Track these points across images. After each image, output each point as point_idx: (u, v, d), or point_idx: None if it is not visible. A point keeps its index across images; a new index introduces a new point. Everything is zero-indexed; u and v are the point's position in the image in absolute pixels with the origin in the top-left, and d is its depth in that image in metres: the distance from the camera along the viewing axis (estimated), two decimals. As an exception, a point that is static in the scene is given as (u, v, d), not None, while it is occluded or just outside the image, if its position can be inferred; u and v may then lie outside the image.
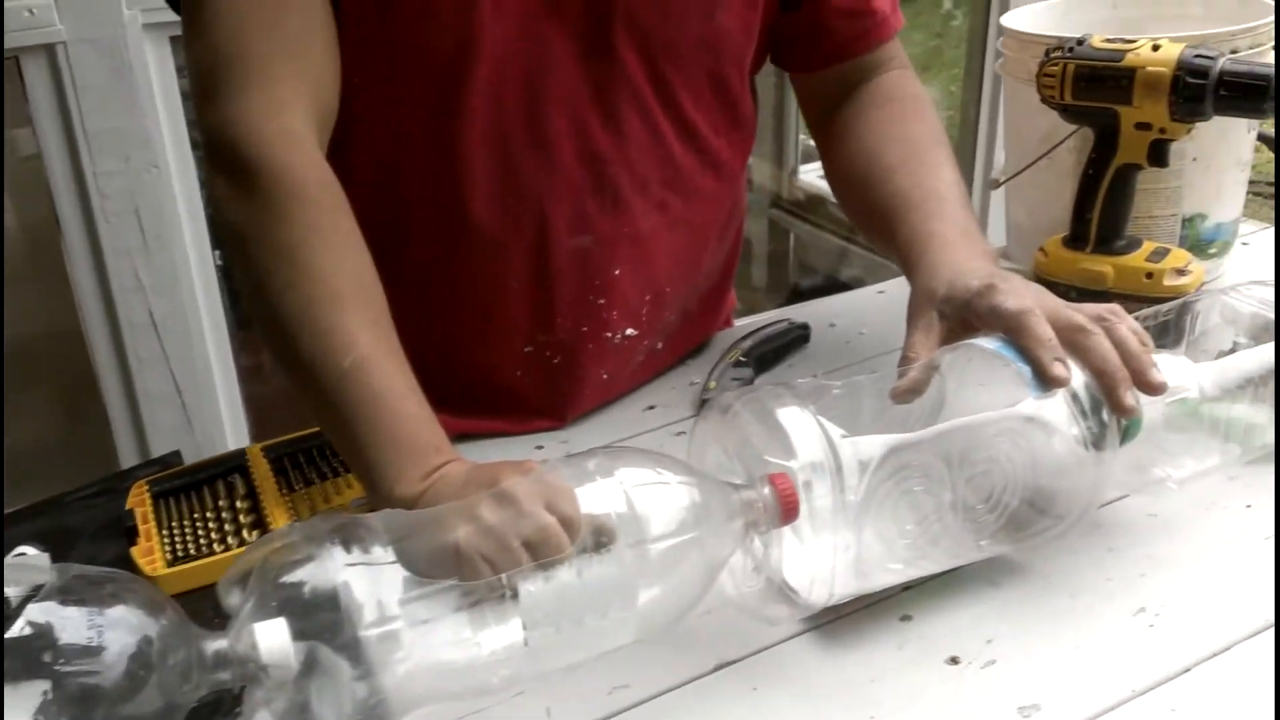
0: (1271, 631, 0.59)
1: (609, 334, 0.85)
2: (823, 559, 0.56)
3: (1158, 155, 0.83)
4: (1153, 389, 0.62)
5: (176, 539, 0.72)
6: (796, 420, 0.56)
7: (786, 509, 0.55)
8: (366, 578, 0.47)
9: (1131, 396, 0.61)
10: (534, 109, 0.77)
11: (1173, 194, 0.93)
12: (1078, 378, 0.61)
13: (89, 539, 0.75)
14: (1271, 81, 0.76)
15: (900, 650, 0.60)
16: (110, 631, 0.44)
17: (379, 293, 0.68)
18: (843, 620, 0.62)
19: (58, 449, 1.85)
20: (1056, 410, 0.60)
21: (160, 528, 0.74)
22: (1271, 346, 0.69)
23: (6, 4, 1.24)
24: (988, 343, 0.64)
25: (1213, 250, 0.98)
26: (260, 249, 0.67)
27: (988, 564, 0.65)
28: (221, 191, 0.69)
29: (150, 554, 0.70)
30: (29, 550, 0.71)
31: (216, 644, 0.47)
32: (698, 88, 0.82)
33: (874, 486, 0.56)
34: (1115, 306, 0.65)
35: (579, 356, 0.85)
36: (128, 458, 1.61)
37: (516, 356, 0.84)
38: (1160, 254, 0.87)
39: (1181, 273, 0.85)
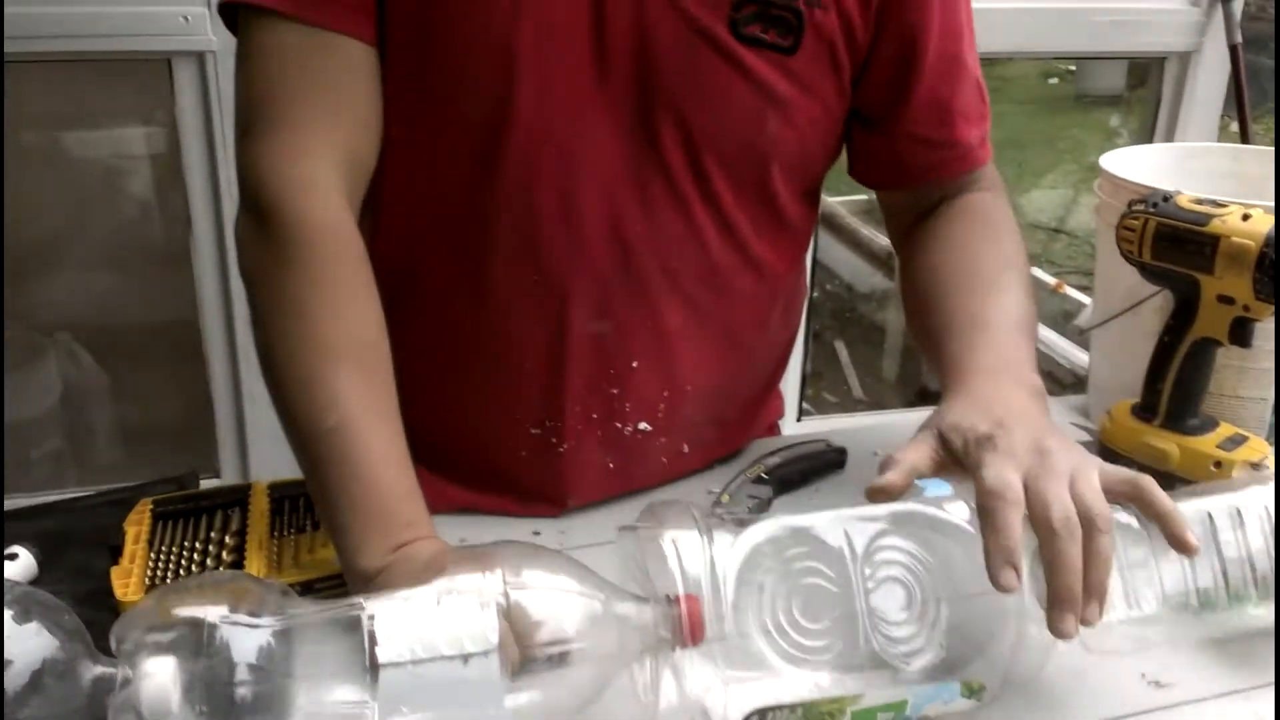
0: None
1: (619, 425, 0.83)
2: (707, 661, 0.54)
3: (1240, 334, 0.76)
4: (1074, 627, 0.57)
5: (160, 565, 0.74)
6: (681, 531, 0.56)
7: (693, 629, 0.53)
8: (242, 636, 0.49)
9: (1071, 623, 0.56)
10: (567, 183, 0.75)
11: (1262, 376, 0.84)
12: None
13: (82, 548, 0.77)
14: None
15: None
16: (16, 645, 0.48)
17: (381, 351, 0.68)
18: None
19: (166, 433, 1.95)
20: (960, 513, 0.58)
21: (151, 550, 0.75)
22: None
23: (160, 8, 1.32)
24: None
25: (1309, 443, 0.88)
26: (265, 293, 0.68)
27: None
28: (241, 231, 0.71)
29: (127, 576, 0.71)
30: (20, 551, 0.74)
31: (100, 670, 0.49)
32: (742, 188, 0.79)
33: (751, 568, 0.55)
34: (1141, 480, 0.60)
35: (586, 443, 0.83)
36: (227, 450, 1.68)
37: (522, 437, 0.82)
38: (1235, 441, 0.79)
39: (1257, 467, 0.77)
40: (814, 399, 2.86)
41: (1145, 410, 0.82)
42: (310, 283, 0.67)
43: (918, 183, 0.85)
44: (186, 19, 1.31)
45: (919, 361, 3.03)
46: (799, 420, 1.94)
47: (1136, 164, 0.95)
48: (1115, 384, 0.95)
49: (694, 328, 0.82)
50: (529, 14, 0.71)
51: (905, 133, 0.82)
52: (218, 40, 1.34)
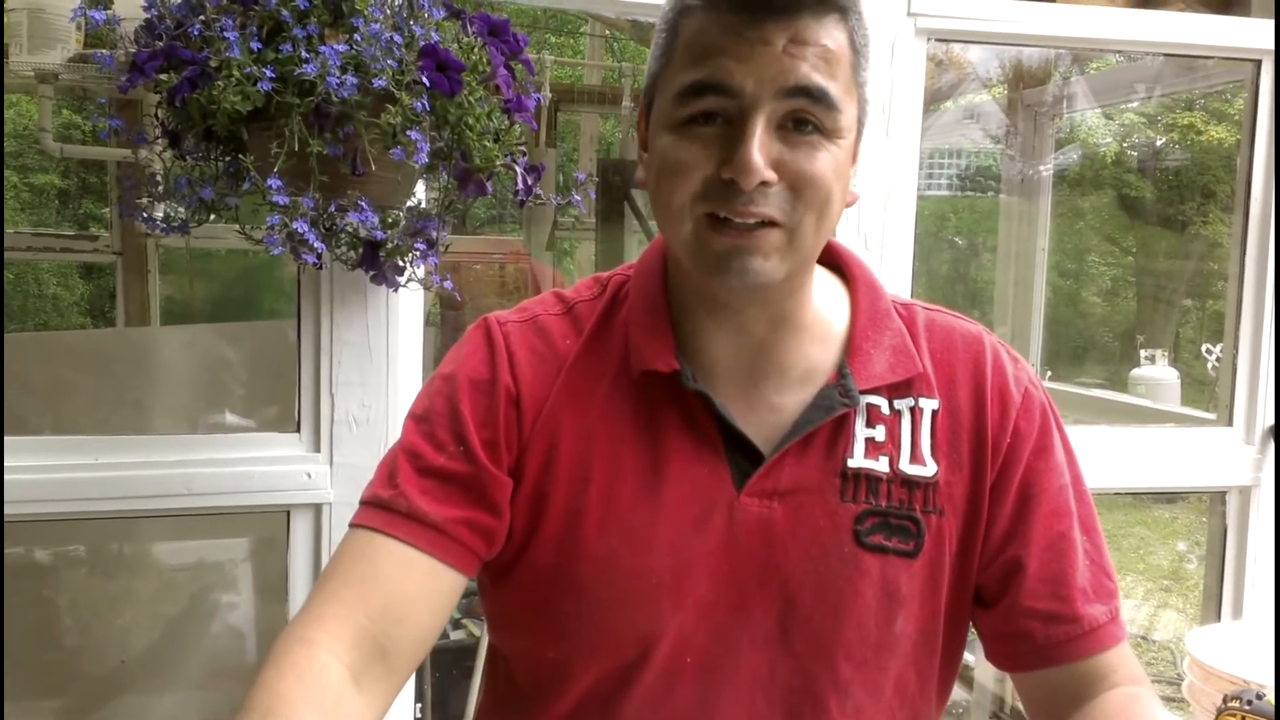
0: None
1: None
2: None
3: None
4: None
5: None
6: None
7: None
8: None
9: None
10: (707, 692, 0.79)
11: None
12: None
13: None
14: None
15: None
16: None
17: None
18: None
19: None
20: None
21: None
22: None
23: (287, 467, 1.44)
24: None
25: None
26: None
27: None
28: None
29: None
30: None
31: None
32: (878, 689, 0.82)
33: None
34: None
35: None
36: None
37: None
38: None
39: None
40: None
41: None
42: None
43: (1040, 665, 0.85)
44: (309, 475, 1.43)
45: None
46: None
47: (1219, 647, 0.97)
48: None
49: None
50: (668, 552, 0.78)
51: (1019, 607, 0.83)
52: (334, 493, 1.45)
